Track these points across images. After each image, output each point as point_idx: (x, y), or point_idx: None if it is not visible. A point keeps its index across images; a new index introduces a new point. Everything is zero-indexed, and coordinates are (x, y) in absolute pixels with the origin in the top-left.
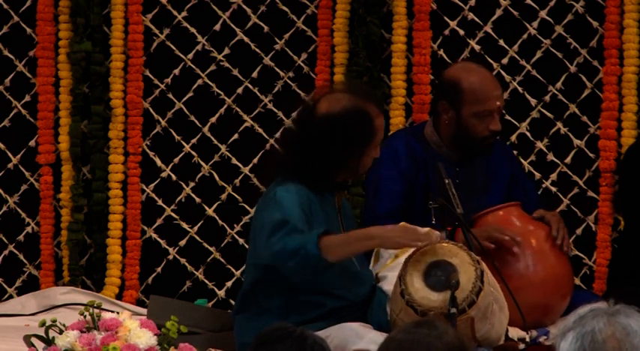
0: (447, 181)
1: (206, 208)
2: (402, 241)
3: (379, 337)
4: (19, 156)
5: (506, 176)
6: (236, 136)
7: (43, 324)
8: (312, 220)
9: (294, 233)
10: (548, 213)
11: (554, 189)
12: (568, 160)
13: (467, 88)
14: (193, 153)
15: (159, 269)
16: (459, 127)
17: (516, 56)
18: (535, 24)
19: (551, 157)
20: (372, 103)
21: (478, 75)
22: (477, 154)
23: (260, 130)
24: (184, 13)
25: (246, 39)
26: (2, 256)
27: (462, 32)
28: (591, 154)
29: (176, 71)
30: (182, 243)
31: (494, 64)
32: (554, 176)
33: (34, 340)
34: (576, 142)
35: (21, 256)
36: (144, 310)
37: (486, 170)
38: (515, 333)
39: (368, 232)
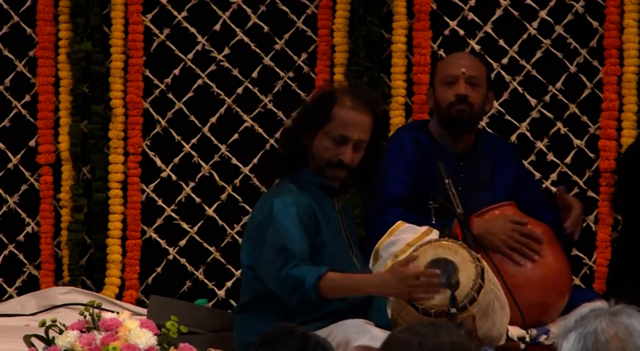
0: (447, 181)
1: (206, 208)
2: (399, 296)
3: (382, 333)
4: (19, 156)
5: (512, 175)
6: (236, 136)
7: (43, 324)
8: (311, 230)
9: (294, 262)
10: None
11: (554, 189)
12: (568, 160)
13: (438, 66)
14: (193, 153)
15: (159, 269)
16: (436, 104)
17: (516, 56)
18: (535, 24)
19: (551, 157)
20: (352, 97)
21: (454, 53)
22: (454, 129)
23: (260, 130)
24: (184, 13)
25: (246, 39)
26: (2, 256)
27: (462, 32)
28: (591, 154)
29: (176, 71)
30: (182, 243)
31: (495, 64)
32: (554, 176)
33: (34, 340)
34: (576, 142)
35: (21, 256)
36: (144, 310)
37: (491, 166)
38: (515, 332)
39: (370, 280)
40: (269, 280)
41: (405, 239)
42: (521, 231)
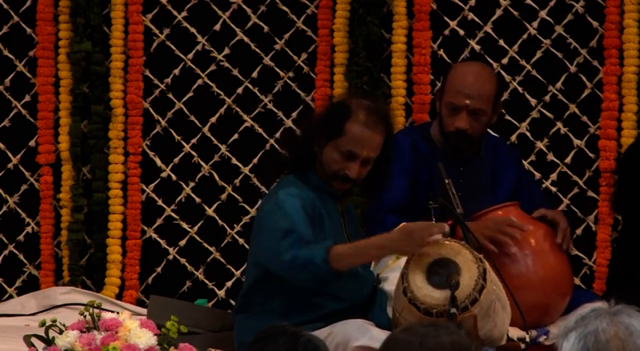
0: (447, 181)
1: (206, 208)
2: (410, 249)
3: (381, 333)
4: (19, 156)
5: (512, 177)
6: (236, 136)
7: (43, 324)
8: (315, 222)
9: (301, 243)
10: (550, 211)
11: (554, 189)
12: (568, 160)
13: (449, 76)
14: (193, 153)
15: (159, 269)
16: (440, 115)
17: (516, 56)
18: (535, 24)
19: (551, 157)
20: (367, 114)
21: (467, 68)
22: (453, 151)
23: (260, 130)
24: (184, 13)
25: (246, 39)
26: (2, 256)
27: (462, 32)
28: (591, 154)
29: (176, 71)
30: (182, 243)
31: (495, 64)
32: (554, 176)
33: (34, 340)
34: (576, 142)
35: (21, 256)
36: (144, 310)
37: (492, 170)
38: (514, 333)
39: (377, 242)
40: (274, 265)
41: None
42: (508, 223)
